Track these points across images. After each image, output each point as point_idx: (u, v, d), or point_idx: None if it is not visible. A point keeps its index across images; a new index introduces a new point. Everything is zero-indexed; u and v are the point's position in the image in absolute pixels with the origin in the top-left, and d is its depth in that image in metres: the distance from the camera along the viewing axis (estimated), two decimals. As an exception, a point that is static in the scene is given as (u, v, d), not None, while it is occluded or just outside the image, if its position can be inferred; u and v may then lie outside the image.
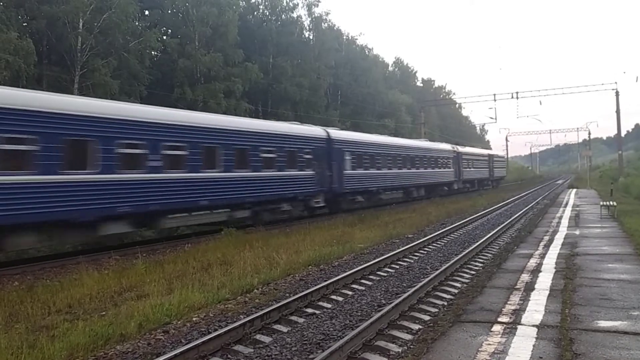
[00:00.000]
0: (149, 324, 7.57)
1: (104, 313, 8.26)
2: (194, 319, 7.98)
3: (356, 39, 64.53)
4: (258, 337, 7.06)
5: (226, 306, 8.68)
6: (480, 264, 11.92)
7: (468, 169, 47.07)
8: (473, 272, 11.02)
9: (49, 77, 23.92)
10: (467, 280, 10.23)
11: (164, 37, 35.14)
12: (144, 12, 34.51)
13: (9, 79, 20.16)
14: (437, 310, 8.17)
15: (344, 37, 60.48)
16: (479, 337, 6.32)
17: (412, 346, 6.41)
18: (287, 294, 9.31)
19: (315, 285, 9.72)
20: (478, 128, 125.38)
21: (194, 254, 13.41)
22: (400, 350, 6.38)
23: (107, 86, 25.37)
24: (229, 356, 6.42)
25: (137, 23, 31.08)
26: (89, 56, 25.86)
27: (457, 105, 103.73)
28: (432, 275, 10.13)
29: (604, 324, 6.69)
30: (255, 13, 45.80)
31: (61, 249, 15.20)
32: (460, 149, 45.94)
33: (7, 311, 8.36)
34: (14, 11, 23.64)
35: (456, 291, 9.34)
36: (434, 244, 15.35)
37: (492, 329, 6.60)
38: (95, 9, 25.97)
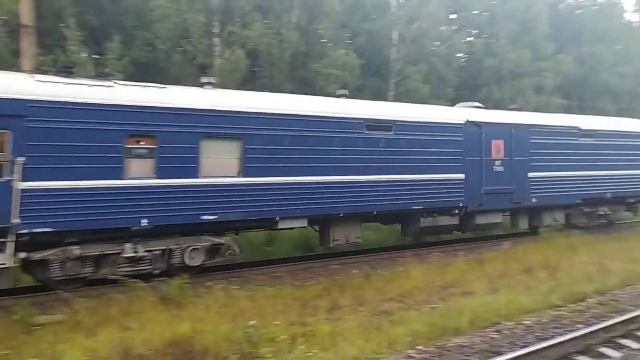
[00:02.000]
0: (479, 321, 7.65)
1: (434, 306, 8.66)
2: (526, 322, 7.74)
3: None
4: (603, 350, 6.45)
5: (559, 313, 8.17)
6: None
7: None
8: None
9: (368, 88, 26.34)
10: None
11: (469, 38, 35.19)
12: (450, 16, 35.16)
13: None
14: None
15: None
16: None
17: None
18: (630, 307, 8.27)
19: (666, 300, 8.42)
20: None
21: (513, 254, 13.04)
22: None
23: (418, 91, 26.64)
24: (572, 366, 6.02)
25: (443, 28, 31.82)
26: (402, 64, 27.63)
27: None
28: None
29: None
30: (567, 1, 42.20)
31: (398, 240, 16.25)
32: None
33: (352, 295, 9.46)
34: (341, 31, 26.83)
35: None
36: None
37: None
38: (408, 19, 27.59)
